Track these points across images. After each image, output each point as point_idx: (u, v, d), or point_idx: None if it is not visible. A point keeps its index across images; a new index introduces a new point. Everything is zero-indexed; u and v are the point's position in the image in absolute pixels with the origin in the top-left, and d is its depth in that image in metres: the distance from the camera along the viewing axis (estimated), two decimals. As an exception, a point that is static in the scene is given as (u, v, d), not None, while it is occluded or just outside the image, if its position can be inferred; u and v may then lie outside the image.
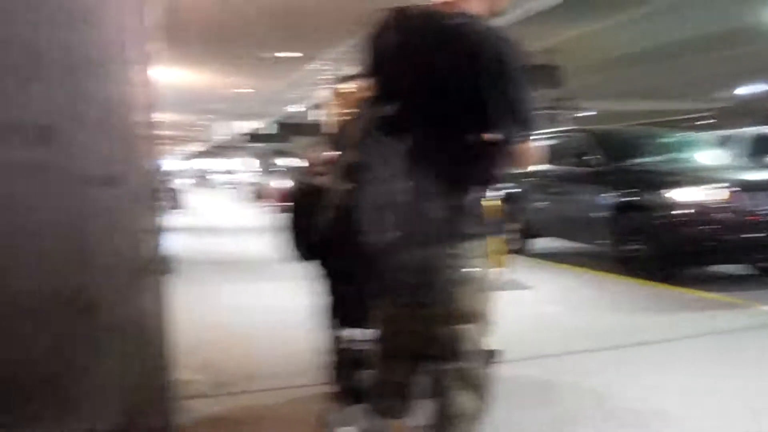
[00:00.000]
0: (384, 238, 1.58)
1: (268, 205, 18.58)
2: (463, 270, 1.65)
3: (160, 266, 2.51)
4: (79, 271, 2.39)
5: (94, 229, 2.40)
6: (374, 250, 1.60)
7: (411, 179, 1.60)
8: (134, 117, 2.44)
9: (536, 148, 1.72)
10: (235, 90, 18.77)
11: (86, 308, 2.39)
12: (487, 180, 1.73)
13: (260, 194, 20.98)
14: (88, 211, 2.39)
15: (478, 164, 1.67)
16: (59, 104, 2.34)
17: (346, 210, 1.58)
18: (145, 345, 2.48)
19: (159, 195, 2.56)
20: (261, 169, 25.28)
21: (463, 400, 1.70)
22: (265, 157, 28.22)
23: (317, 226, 1.76)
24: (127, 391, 2.46)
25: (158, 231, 2.51)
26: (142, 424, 2.47)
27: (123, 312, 2.43)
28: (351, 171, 1.61)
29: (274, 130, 26.71)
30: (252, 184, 23.28)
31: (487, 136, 1.64)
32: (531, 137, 1.67)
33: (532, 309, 4.71)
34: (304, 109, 21.24)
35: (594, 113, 18.56)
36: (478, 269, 1.67)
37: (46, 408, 2.38)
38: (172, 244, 2.57)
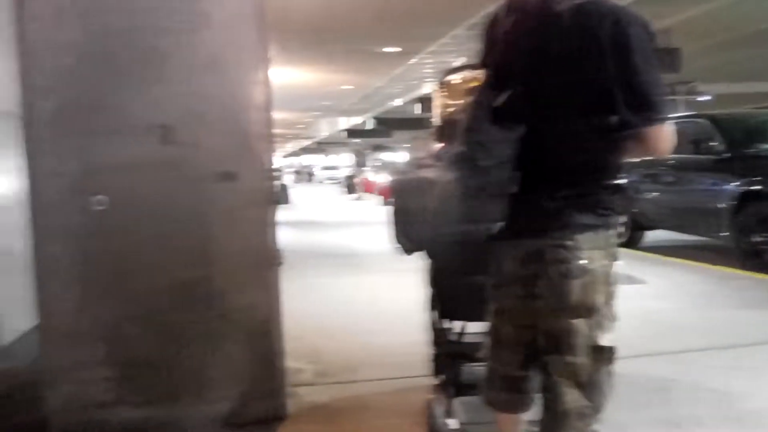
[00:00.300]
0: (490, 228, 1.56)
1: (364, 198, 18.97)
2: (578, 262, 1.59)
3: (273, 258, 2.62)
4: (199, 263, 2.54)
5: (213, 222, 2.54)
6: (481, 240, 1.58)
7: (522, 169, 1.56)
8: (252, 115, 2.55)
9: (668, 134, 1.61)
10: (338, 87, 19.17)
11: (205, 298, 2.54)
12: (609, 169, 1.65)
13: (352, 188, 21.49)
14: (207, 206, 2.53)
15: (598, 152, 1.61)
16: (181, 104, 2.50)
17: (453, 200, 1.57)
18: (258, 334, 2.60)
19: (273, 190, 2.67)
20: (355, 164, 25.81)
21: (573, 397, 1.64)
22: (362, 152, 28.70)
23: (422, 217, 1.76)
24: (241, 378, 2.59)
25: (272, 225, 2.61)
26: (255, 409, 2.59)
27: (239, 302, 2.56)
28: (459, 161, 1.59)
29: (374, 125, 27.07)
30: (347, 177, 23.84)
31: (611, 121, 1.57)
32: (662, 122, 1.59)
33: (644, 304, 4.48)
34: (402, 103, 21.35)
35: (709, 98, 17.31)
36: (595, 262, 1.61)
37: (172, 390, 2.55)
38: (281, 237, 2.67)
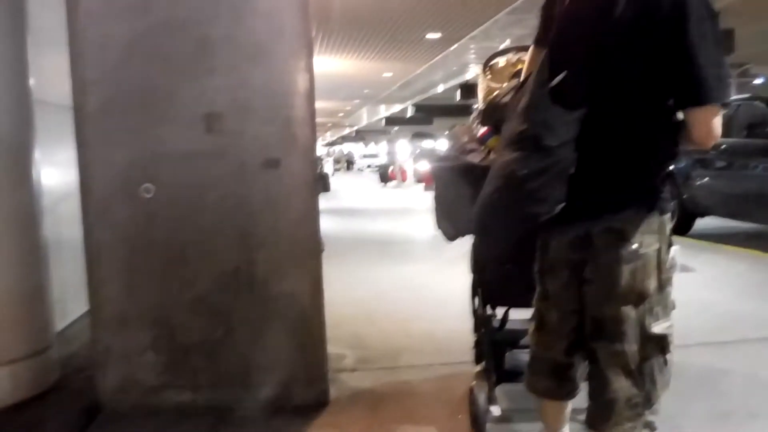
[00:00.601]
0: (553, 209, 1.51)
1: (403, 186, 18.96)
2: (629, 247, 1.55)
3: (316, 245, 2.63)
4: (243, 250, 2.57)
5: (258, 209, 2.57)
6: (541, 222, 1.54)
7: (581, 150, 1.52)
8: (296, 103, 2.56)
9: (714, 121, 1.51)
10: (379, 74, 19.13)
11: (248, 284, 2.58)
12: (663, 152, 1.59)
13: (386, 176, 21.52)
14: (252, 193, 2.56)
15: (652, 135, 1.56)
16: (228, 93, 2.53)
17: (511, 181, 1.53)
18: (301, 321, 2.63)
19: (316, 178, 2.67)
20: (389, 152, 25.74)
21: (621, 385, 1.60)
22: (395, 140, 28.62)
23: (465, 202, 1.73)
24: (284, 364, 2.62)
25: (315, 211, 2.63)
26: (298, 395, 2.62)
27: (282, 289, 2.59)
28: (521, 140, 1.55)
29: (414, 113, 26.97)
30: (382, 166, 23.86)
31: (664, 101, 1.52)
32: (711, 104, 1.50)
33: (695, 292, 4.34)
34: (443, 90, 21.18)
35: (763, 80, 16.59)
36: (647, 247, 1.56)
37: (218, 375, 2.60)
38: (322, 224, 2.68)
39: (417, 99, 25.16)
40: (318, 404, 2.63)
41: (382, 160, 25.57)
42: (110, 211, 2.54)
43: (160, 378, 2.59)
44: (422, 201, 7.14)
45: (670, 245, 1.63)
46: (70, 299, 3.25)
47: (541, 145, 1.51)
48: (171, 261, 2.57)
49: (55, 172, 3.20)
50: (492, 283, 2.34)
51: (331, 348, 2.79)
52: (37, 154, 2.78)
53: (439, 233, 2.34)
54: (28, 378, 2.69)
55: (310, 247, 2.63)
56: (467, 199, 1.87)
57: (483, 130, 2.20)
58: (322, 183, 15.38)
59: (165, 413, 2.53)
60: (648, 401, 1.62)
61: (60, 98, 2.82)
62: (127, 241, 2.56)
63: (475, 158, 2.13)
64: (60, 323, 3.17)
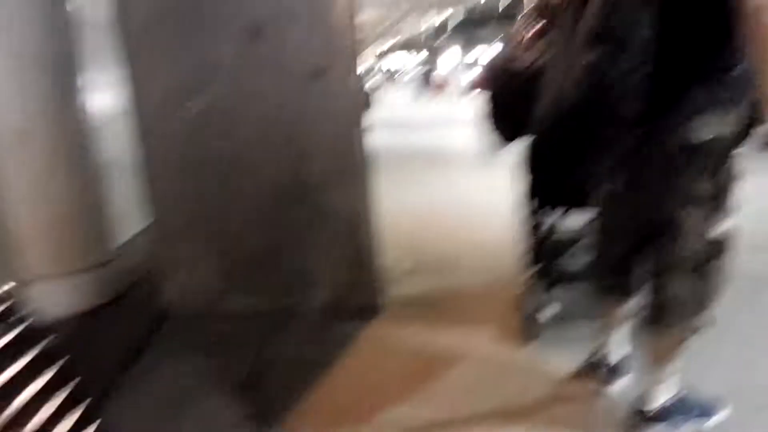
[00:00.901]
0: (644, 108, 1.44)
1: (446, 97, 18.46)
2: (696, 149, 1.48)
3: (364, 155, 2.62)
4: (291, 160, 2.58)
5: (303, 119, 2.55)
6: (625, 121, 1.47)
7: (660, 48, 1.42)
8: (339, 11, 2.48)
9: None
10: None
11: (299, 194, 2.60)
12: (728, 50, 1.47)
13: (427, 86, 20.94)
14: (299, 102, 2.53)
15: (722, 34, 1.44)
16: (271, 2, 2.45)
17: (602, 82, 1.45)
18: (354, 229, 2.66)
19: (362, 86, 2.62)
20: (431, 62, 24.84)
21: (680, 286, 1.58)
22: (439, 49, 27.65)
23: (526, 103, 1.67)
24: (338, 270, 2.68)
25: (363, 121, 2.59)
26: (352, 300, 2.70)
27: (332, 198, 2.61)
28: (603, 39, 1.46)
29: (464, 19, 25.90)
30: (423, 75, 23.17)
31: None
32: None
33: (755, 199, 4.14)
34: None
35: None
36: (710, 149, 1.49)
37: (275, 281, 2.69)
38: (370, 137, 2.65)
39: (467, 4, 24.07)
40: (373, 307, 2.71)
41: (427, 69, 24.83)
42: (160, 127, 2.57)
43: (220, 285, 2.69)
44: (467, 111, 6.92)
45: (733, 148, 1.55)
46: (129, 214, 3.36)
47: (632, 44, 1.42)
48: (222, 173, 2.60)
49: (99, 92, 3.22)
50: (551, 184, 2.27)
51: (384, 255, 2.82)
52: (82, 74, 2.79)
53: (492, 138, 2.28)
54: (96, 287, 2.83)
55: (358, 157, 2.62)
56: (524, 100, 1.80)
57: (537, 27, 2.08)
58: (368, 94, 15.11)
59: (227, 318, 2.65)
60: (702, 303, 1.60)
61: (97, 17, 2.79)
62: (178, 155, 2.60)
63: (530, 58, 2.04)
64: (122, 238, 3.29)
